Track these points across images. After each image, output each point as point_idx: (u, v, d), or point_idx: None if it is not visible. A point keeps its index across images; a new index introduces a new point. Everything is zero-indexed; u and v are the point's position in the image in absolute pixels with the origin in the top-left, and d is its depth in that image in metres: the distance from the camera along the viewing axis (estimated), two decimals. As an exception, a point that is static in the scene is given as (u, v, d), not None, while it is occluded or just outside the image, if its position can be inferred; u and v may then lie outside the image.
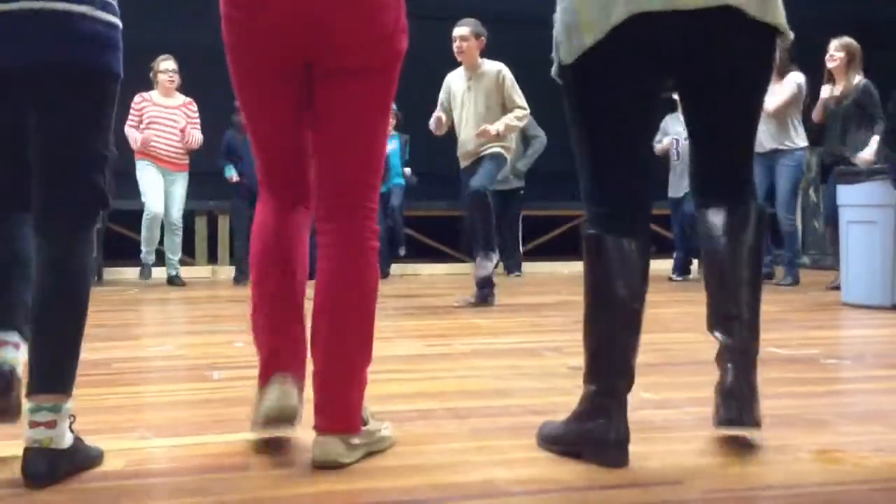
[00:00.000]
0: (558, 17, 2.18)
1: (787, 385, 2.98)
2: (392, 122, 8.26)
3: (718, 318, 2.21)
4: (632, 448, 2.19)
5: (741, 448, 2.18)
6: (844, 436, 2.32)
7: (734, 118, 2.22)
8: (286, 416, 2.12)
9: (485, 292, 5.55)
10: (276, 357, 2.17)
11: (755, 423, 2.11)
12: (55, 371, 1.99)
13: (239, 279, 7.38)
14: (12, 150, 2.06)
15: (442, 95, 5.68)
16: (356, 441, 2.09)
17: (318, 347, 2.11)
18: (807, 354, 3.67)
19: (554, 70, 2.23)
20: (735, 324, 2.17)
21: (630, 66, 2.11)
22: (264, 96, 2.15)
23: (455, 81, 5.60)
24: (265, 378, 2.16)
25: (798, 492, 1.89)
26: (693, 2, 2.03)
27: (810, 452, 2.16)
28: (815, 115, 6.62)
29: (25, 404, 1.96)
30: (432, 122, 5.63)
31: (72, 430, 2.01)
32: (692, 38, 2.09)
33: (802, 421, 2.47)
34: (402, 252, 8.58)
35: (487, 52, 5.53)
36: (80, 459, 2.02)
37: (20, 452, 1.98)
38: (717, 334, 2.20)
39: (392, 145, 8.28)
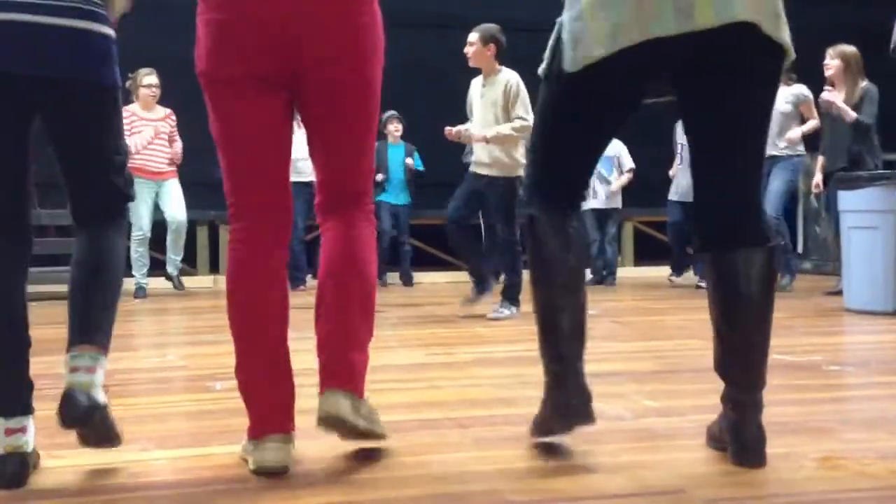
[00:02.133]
0: (566, 23, 2.15)
1: (790, 392, 2.97)
2: (399, 128, 8.27)
3: (729, 369, 2.18)
4: (635, 456, 2.19)
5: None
6: (848, 443, 2.32)
7: (746, 136, 2.16)
8: (280, 472, 2.09)
9: (481, 287, 5.54)
10: (269, 417, 2.13)
11: (764, 462, 2.10)
12: (95, 325, 2.06)
13: None
14: (15, 163, 2.09)
15: (468, 104, 5.63)
16: (362, 409, 2.13)
17: (324, 314, 2.16)
18: (810, 361, 3.67)
19: (542, 70, 2.23)
20: (744, 375, 2.15)
21: (630, 85, 2.14)
22: (248, 106, 2.10)
23: (474, 88, 5.57)
24: (258, 435, 2.11)
25: (802, 499, 1.89)
26: (703, 23, 2.00)
27: (814, 459, 2.16)
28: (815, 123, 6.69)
29: (65, 359, 2.01)
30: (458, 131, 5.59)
31: (105, 397, 2.07)
32: (704, 57, 2.07)
33: (806, 428, 2.46)
34: (409, 285, 8.44)
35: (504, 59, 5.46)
36: (109, 422, 2.08)
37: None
38: (728, 384, 2.18)
39: (397, 154, 8.30)
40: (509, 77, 5.35)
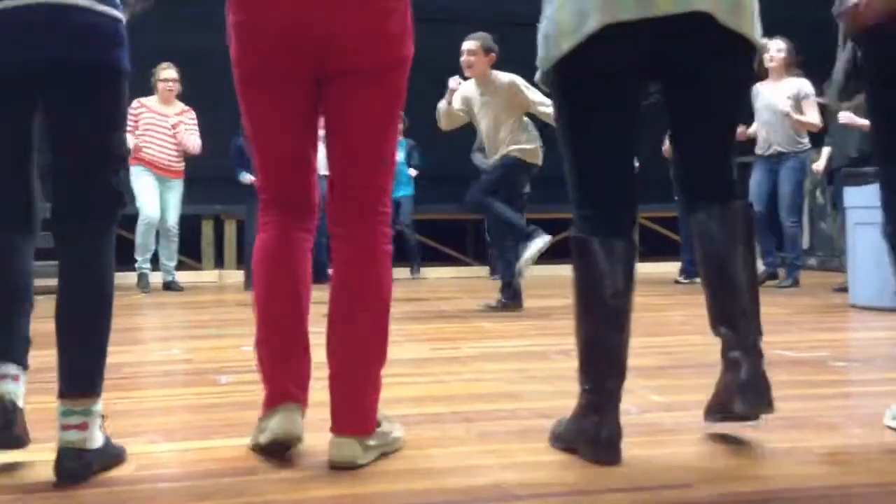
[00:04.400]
0: (541, 25, 2.22)
1: (796, 388, 2.97)
2: (399, 126, 8.25)
3: (722, 315, 2.23)
4: (641, 451, 2.19)
5: (751, 450, 2.18)
6: (854, 438, 2.32)
7: (711, 121, 2.26)
8: (290, 442, 2.12)
9: (507, 294, 5.45)
10: (283, 389, 2.15)
11: (772, 407, 2.15)
12: (83, 374, 2.02)
13: (249, 285, 7.31)
14: (11, 154, 2.07)
15: (456, 105, 5.52)
16: (371, 443, 2.11)
17: (335, 351, 2.13)
18: (815, 357, 3.66)
19: (538, 76, 2.28)
20: (740, 319, 2.19)
21: (605, 72, 2.16)
22: (272, 102, 2.15)
23: (470, 93, 5.48)
24: (271, 406, 2.15)
25: (807, 494, 1.89)
26: (663, 9, 2.06)
27: (820, 455, 2.16)
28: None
29: (57, 407, 1.98)
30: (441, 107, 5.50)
31: (102, 430, 2.04)
32: (664, 44, 2.13)
33: (812, 423, 2.46)
34: (417, 272, 8.52)
35: (500, 56, 5.42)
36: (109, 458, 2.06)
37: (27, 458, 2.02)
38: (723, 330, 2.22)
39: (399, 153, 8.28)
40: (511, 79, 5.30)
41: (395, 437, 2.23)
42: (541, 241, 5.19)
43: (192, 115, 7.36)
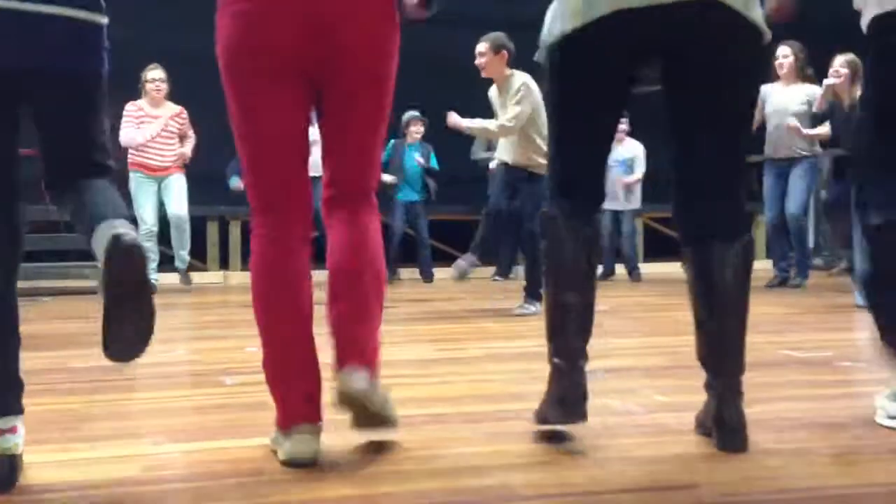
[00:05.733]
0: (551, 7, 2.25)
1: (802, 388, 2.97)
2: (421, 130, 8.29)
3: (708, 357, 2.24)
4: (646, 452, 2.19)
5: (756, 451, 2.18)
6: (860, 438, 2.31)
7: (723, 119, 2.18)
8: (308, 463, 2.10)
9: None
10: (298, 408, 2.13)
11: (743, 444, 2.16)
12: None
13: None
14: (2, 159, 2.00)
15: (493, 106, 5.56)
16: (377, 390, 2.13)
17: (339, 298, 2.16)
18: (821, 357, 3.66)
19: (539, 55, 2.32)
20: (725, 366, 2.20)
21: (606, 57, 2.17)
22: (270, 97, 2.10)
23: (493, 92, 5.49)
24: (288, 426, 2.12)
25: (814, 494, 1.88)
26: None
27: (826, 455, 2.15)
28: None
29: None
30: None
31: None
32: (674, 32, 2.11)
33: (818, 423, 2.45)
34: (429, 279, 8.50)
35: (518, 59, 5.40)
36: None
37: (31, 460, 2.03)
38: (708, 372, 2.24)
39: (415, 156, 8.30)
40: (522, 80, 5.25)
41: (394, 412, 2.26)
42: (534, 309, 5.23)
43: (185, 114, 7.33)
